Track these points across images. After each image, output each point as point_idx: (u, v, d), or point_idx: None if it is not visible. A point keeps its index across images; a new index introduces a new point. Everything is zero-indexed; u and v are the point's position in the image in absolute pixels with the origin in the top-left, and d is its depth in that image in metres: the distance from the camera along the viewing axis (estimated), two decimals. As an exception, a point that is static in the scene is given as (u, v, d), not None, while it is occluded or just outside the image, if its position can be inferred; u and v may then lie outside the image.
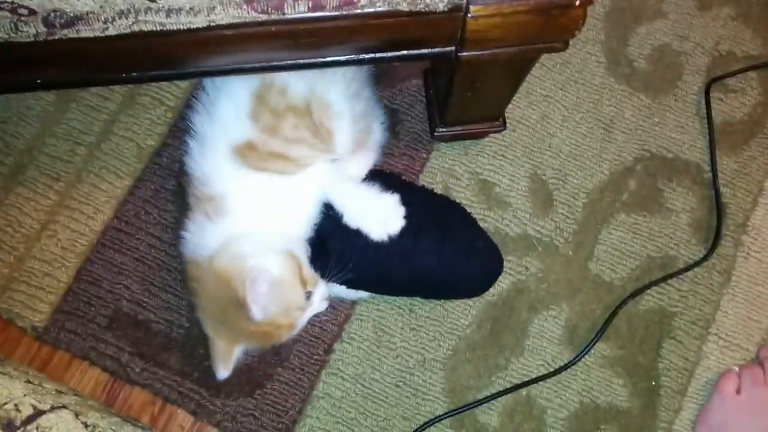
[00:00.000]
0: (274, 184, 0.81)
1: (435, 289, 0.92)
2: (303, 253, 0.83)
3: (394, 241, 0.83)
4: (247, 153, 0.80)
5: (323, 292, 0.84)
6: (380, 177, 0.91)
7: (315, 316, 0.86)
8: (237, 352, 0.84)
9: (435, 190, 0.99)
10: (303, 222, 0.84)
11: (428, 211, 0.90)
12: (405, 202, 0.85)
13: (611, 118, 1.05)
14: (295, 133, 0.81)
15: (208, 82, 0.85)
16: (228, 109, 0.82)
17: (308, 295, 0.82)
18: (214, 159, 0.83)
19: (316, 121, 0.82)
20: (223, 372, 0.83)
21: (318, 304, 0.84)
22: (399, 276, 0.87)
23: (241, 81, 0.82)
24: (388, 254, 0.84)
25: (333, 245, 0.84)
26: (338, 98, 0.84)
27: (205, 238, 0.82)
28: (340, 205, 0.83)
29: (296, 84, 0.81)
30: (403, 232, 0.83)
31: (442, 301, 0.96)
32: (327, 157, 0.84)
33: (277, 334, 0.82)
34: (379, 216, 0.84)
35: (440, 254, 0.86)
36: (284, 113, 0.81)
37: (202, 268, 0.81)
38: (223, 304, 0.79)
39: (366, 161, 0.92)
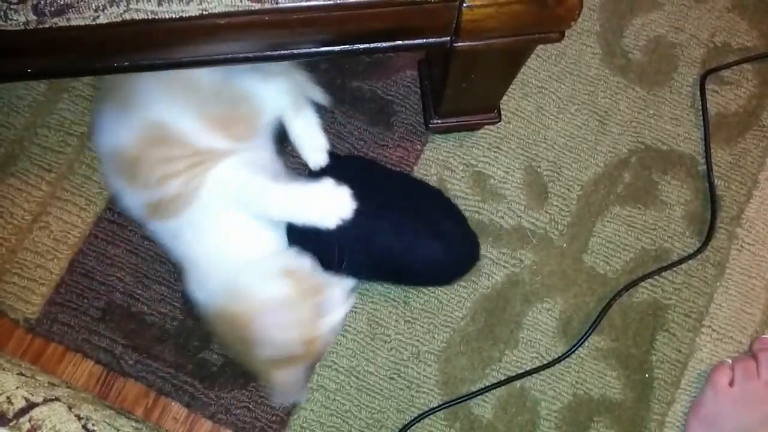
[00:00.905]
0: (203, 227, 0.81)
1: (398, 272, 0.90)
2: (302, 261, 0.82)
3: (353, 223, 0.80)
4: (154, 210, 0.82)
5: (343, 290, 0.84)
6: (351, 161, 0.91)
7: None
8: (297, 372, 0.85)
9: (429, 182, 0.99)
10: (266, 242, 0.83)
11: (396, 192, 0.88)
12: (372, 184, 0.84)
13: (606, 110, 1.04)
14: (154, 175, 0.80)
15: None
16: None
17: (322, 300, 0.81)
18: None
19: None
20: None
21: (342, 304, 0.83)
22: (362, 259, 0.85)
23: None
24: (349, 237, 0.82)
25: (293, 237, 0.83)
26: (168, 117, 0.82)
27: (208, 287, 0.82)
28: (279, 214, 0.81)
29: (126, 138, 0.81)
30: (363, 212, 0.80)
31: (436, 293, 0.96)
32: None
33: (312, 350, 0.81)
34: (324, 203, 0.80)
35: (400, 235, 0.84)
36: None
37: (217, 317, 0.82)
38: (249, 345, 0.79)
39: (306, 123, 0.89)
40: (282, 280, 0.79)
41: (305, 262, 0.82)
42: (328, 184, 0.80)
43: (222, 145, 0.81)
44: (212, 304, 0.81)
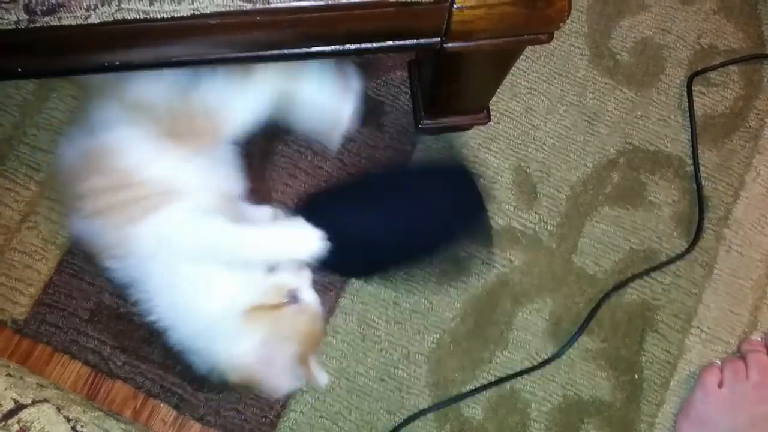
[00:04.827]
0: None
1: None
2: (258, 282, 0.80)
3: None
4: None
5: (301, 280, 0.83)
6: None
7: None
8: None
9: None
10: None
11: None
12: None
13: (595, 111, 1.05)
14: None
15: None
16: None
17: (291, 299, 0.80)
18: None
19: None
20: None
21: (308, 288, 0.83)
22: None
23: None
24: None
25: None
26: None
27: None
28: (255, 256, 0.80)
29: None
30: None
31: (426, 293, 0.96)
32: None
33: (316, 334, 0.83)
34: (296, 242, 0.80)
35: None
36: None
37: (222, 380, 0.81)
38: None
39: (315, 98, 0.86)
40: (249, 326, 0.78)
41: (260, 283, 0.81)
42: (297, 223, 0.81)
43: (172, 168, 0.78)
44: (210, 366, 0.81)
